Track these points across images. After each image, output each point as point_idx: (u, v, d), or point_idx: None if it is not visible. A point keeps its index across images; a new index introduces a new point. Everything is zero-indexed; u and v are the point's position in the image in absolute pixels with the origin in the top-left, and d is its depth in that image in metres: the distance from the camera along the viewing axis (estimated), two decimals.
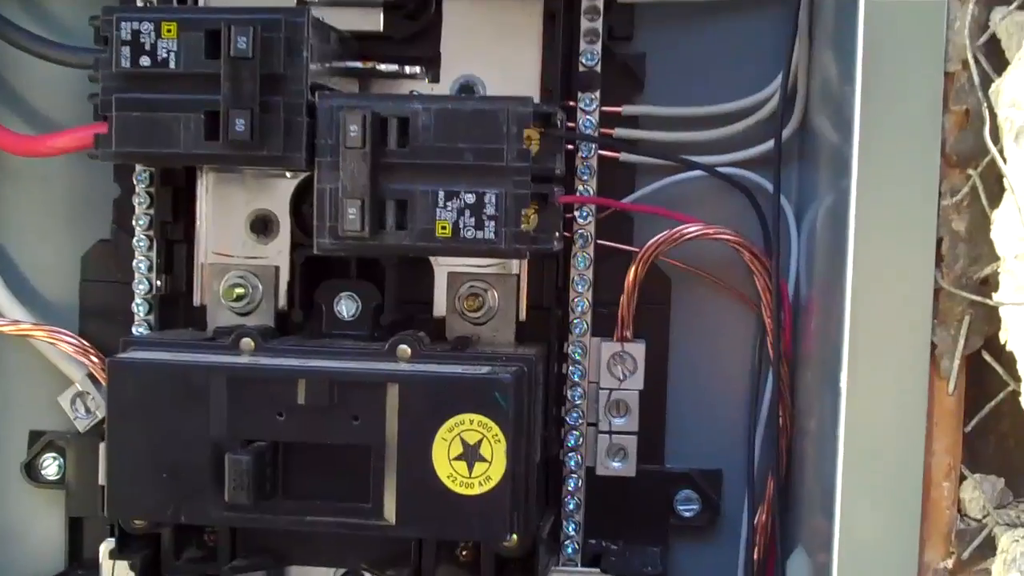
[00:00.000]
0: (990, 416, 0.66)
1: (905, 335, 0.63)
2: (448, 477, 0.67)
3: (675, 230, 0.75)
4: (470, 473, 0.67)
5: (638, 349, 0.77)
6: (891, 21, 0.61)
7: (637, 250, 0.77)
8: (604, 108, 0.77)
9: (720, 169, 0.76)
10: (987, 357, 0.66)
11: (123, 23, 0.68)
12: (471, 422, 0.67)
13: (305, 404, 0.68)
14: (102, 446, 0.79)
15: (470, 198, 0.67)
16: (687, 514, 0.80)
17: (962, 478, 0.66)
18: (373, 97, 0.74)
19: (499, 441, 0.67)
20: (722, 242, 0.76)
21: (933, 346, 0.64)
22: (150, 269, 0.79)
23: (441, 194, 0.67)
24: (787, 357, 0.75)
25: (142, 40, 0.68)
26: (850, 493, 0.62)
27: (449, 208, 0.67)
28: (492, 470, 0.67)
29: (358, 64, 0.75)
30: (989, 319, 0.65)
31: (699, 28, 0.78)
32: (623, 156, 0.77)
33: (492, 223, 0.67)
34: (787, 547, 0.74)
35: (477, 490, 0.67)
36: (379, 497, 0.68)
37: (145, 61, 0.68)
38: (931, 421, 0.65)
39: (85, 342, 0.80)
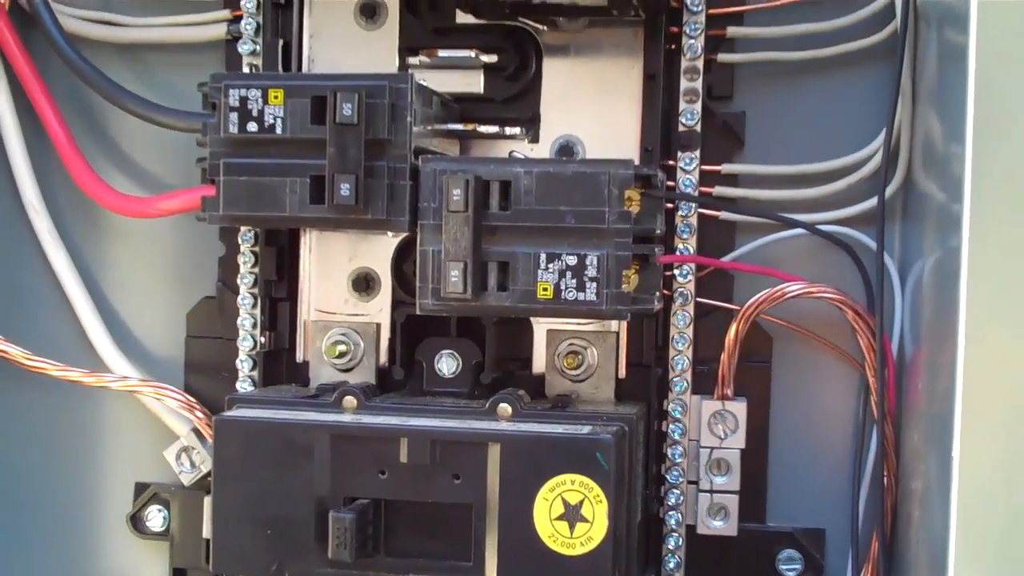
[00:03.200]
0: None
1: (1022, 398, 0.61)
2: (549, 537, 0.67)
3: (778, 288, 0.75)
4: (572, 533, 0.67)
5: (739, 407, 0.77)
6: (1002, 76, 0.60)
7: (738, 308, 0.76)
8: (704, 167, 0.77)
9: (821, 227, 0.76)
10: None
11: (231, 90, 0.70)
12: (572, 482, 0.67)
13: (407, 462, 0.68)
14: (207, 500, 0.81)
15: (571, 260, 0.68)
16: (790, 574, 0.79)
17: None
18: (475, 160, 0.75)
19: (600, 501, 0.66)
20: (825, 300, 0.75)
21: None
22: (254, 326, 0.81)
23: (543, 256, 0.68)
24: (891, 416, 0.74)
25: (249, 106, 0.69)
26: (963, 556, 0.61)
27: (550, 270, 0.68)
28: (594, 530, 0.67)
29: (459, 127, 0.76)
30: None
31: (800, 86, 0.78)
32: (723, 214, 0.77)
33: (594, 285, 0.67)
34: None
35: (579, 550, 0.67)
36: (480, 556, 0.68)
37: (252, 127, 0.70)
38: None
39: (191, 398, 0.82)
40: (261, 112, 0.70)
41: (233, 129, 0.70)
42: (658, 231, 0.71)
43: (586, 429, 0.68)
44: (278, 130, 0.69)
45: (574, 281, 0.68)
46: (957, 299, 0.60)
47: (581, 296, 0.68)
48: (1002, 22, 0.58)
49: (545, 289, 0.68)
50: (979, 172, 0.59)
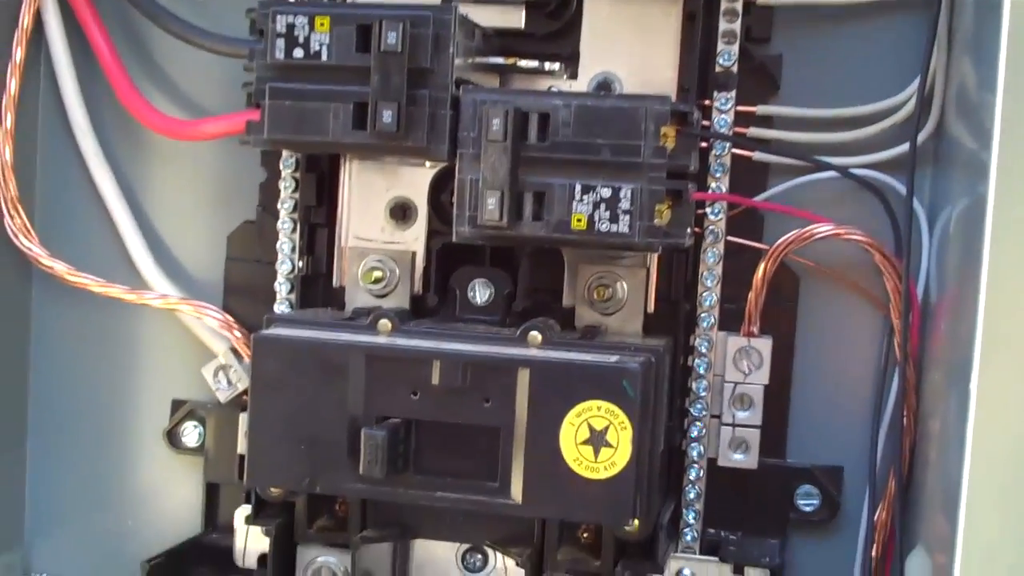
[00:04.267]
0: None
1: None
2: (575, 461, 0.69)
3: (806, 229, 0.76)
4: (596, 458, 0.69)
5: (765, 344, 0.78)
6: None
7: (767, 247, 0.78)
8: (739, 108, 0.78)
9: (853, 171, 0.77)
10: None
11: (279, 16, 0.71)
12: (599, 409, 0.68)
13: (439, 385, 0.70)
14: (242, 416, 0.83)
15: (606, 192, 0.69)
16: (807, 508, 0.81)
17: None
18: (515, 92, 0.76)
19: (625, 428, 0.68)
20: (852, 242, 0.77)
21: None
22: (293, 250, 0.82)
23: (578, 187, 0.69)
24: (914, 358, 0.76)
25: (296, 33, 0.71)
26: (976, 496, 0.62)
27: (585, 201, 0.69)
28: (617, 456, 0.68)
29: (500, 60, 0.77)
30: None
31: (837, 31, 0.79)
32: (756, 155, 0.79)
33: (627, 217, 0.69)
34: (906, 546, 0.75)
35: (602, 475, 0.69)
36: (506, 477, 0.70)
37: (298, 53, 0.71)
38: None
39: (229, 317, 0.84)
40: (307, 39, 0.71)
41: (279, 55, 0.72)
42: (692, 168, 0.73)
43: (614, 358, 0.70)
44: (323, 57, 0.71)
45: (608, 213, 0.69)
46: (981, 245, 0.61)
47: (614, 228, 0.69)
48: None
49: (579, 220, 0.69)
50: (1008, 120, 0.60)
